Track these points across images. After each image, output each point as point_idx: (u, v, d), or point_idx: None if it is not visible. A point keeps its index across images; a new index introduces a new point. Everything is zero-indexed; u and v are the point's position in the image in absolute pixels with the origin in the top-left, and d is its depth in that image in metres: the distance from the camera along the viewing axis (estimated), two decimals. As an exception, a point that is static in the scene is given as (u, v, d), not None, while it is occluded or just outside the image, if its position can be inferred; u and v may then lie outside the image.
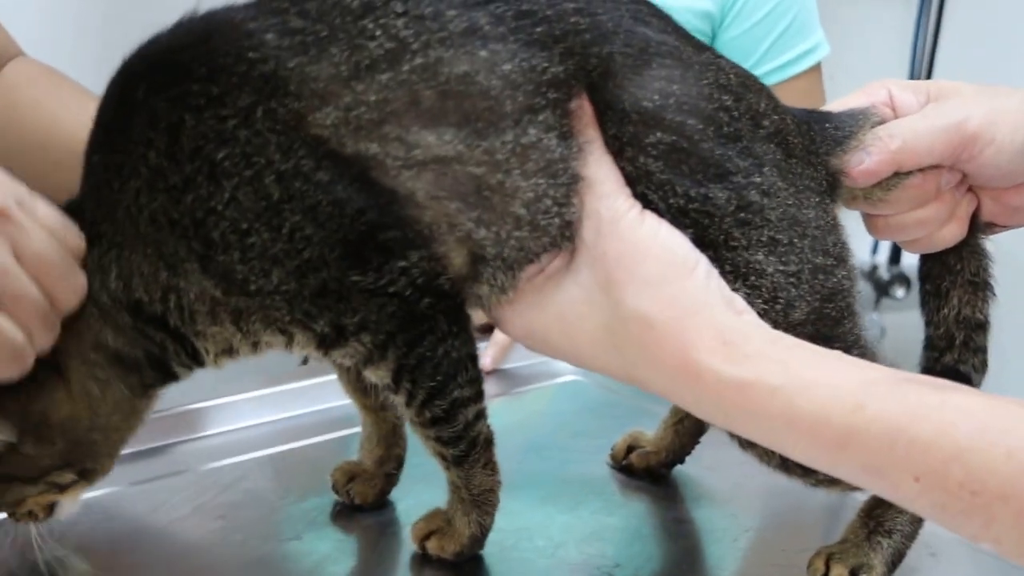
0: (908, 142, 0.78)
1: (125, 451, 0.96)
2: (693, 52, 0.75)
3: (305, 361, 1.81)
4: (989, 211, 0.84)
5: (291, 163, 0.69)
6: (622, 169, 0.72)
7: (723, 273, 0.72)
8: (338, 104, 0.69)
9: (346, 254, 0.70)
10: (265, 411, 1.08)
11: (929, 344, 0.85)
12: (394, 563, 0.87)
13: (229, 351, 0.77)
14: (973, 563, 0.89)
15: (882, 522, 0.82)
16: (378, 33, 0.69)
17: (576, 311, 0.72)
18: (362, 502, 0.91)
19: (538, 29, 0.71)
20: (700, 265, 0.70)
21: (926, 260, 0.86)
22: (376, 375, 0.77)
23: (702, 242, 0.72)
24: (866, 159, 0.78)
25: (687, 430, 0.99)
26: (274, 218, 0.69)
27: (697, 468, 1.01)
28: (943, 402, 0.60)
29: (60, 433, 0.75)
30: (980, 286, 0.85)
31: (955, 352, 0.84)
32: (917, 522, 0.83)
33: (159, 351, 0.76)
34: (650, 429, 1.07)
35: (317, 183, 0.69)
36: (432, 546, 0.83)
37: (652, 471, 1.00)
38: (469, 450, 0.79)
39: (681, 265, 0.69)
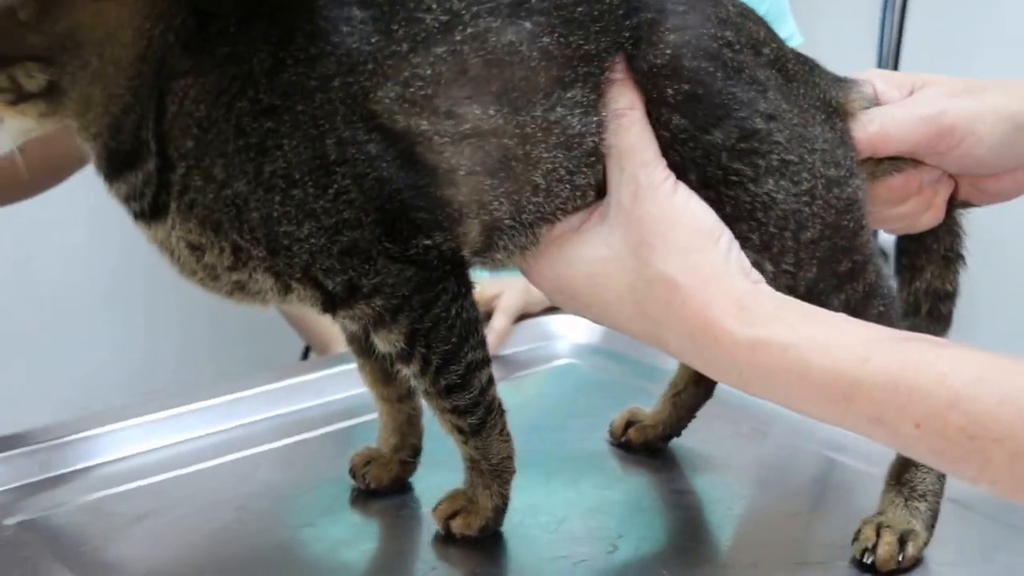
0: (886, 127, 0.81)
1: (140, 450, 1.01)
2: None
3: (306, 355, 1.85)
4: (966, 193, 0.87)
5: (349, 132, 0.72)
6: (659, 136, 0.75)
7: (728, 217, 0.75)
8: (398, 79, 0.72)
9: (380, 220, 0.74)
10: (273, 406, 1.11)
11: None
12: (407, 545, 0.90)
13: (198, 247, 0.76)
14: (956, 522, 0.91)
15: (915, 487, 0.86)
16: (434, 6, 0.73)
17: (604, 270, 0.76)
18: (377, 486, 0.94)
19: (579, 8, 0.74)
20: (724, 237, 0.74)
21: (903, 238, 0.90)
22: (388, 340, 0.79)
23: (706, 183, 0.76)
24: None
25: (684, 403, 1.02)
26: (323, 177, 0.72)
27: (691, 441, 1.04)
28: (940, 355, 0.64)
29: (66, 18, 0.71)
30: (952, 259, 0.89)
31: (921, 319, 0.89)
32: (942, 479, 0.86)
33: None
34: (645, 405, 1.10)
35: (367, 154, 0.73)
36: (458, 525, 0.85)
37: (649, 445, 1.03)
38: (486, 416, 0.82)
39: (708, 235, 0.73)
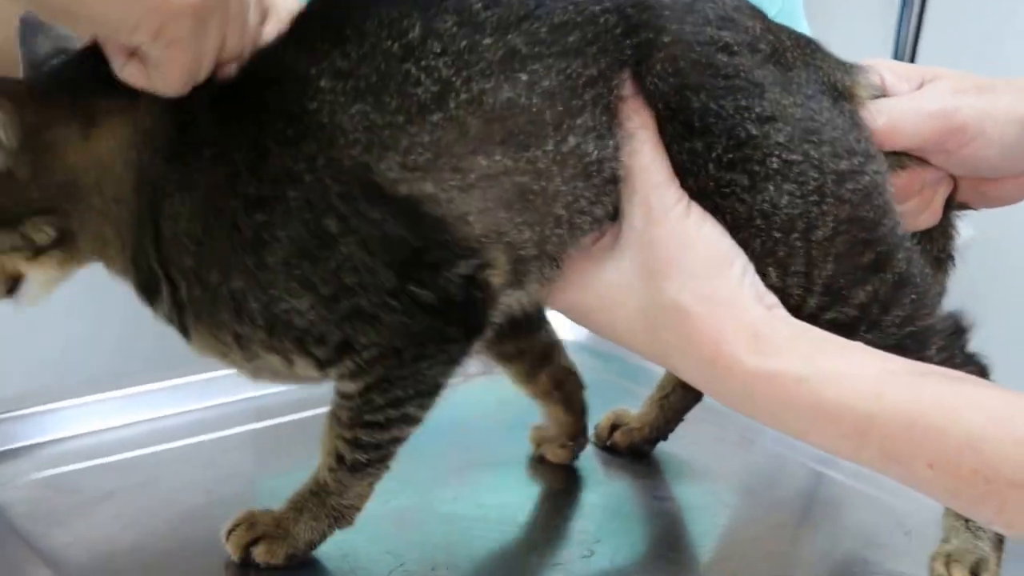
0: (895, 120, 0.78)
1: (110, 425, 0.98)
2: None
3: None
4: (966, 195, 0.85)
5: (349, 206, 0.70)
6: (673, 159, 0.72)
7: (725, 223, 0.73)
8: (397, 149, 0.69)
9: (392, 272, 0.71)
10: (246, 388, 1.08)
11: None
12: (376, 534, 0.87)
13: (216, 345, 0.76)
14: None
15: None
16: (423, 77, 0.69)
17: (616, 294, 0.74)
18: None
19: (571, 39, 0.71)
20: (738, 262, 0.71)
21: None
22: (345, 386, 0.77)
23: (700, 192, 0.73)
24: None
25: (672, 406, 1.00)
26: (325, 251, 0.70)
27: (676, 446, 1.02)
28: (956, 393, 0.62)
29: (60, 166, 0.71)
30: (943, 261, 0.87)
31: None
32: None
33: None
34: (631, 408, 1.08)
35: (371, 220, 0.70)
36: (261, 553, 0.80)
37: (635, 448, 1.01)
38: (374, 461, 0.79)
39: (721, 261, 0.71)
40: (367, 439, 0.77)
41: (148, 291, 0.75)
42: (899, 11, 2.13)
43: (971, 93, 0.79)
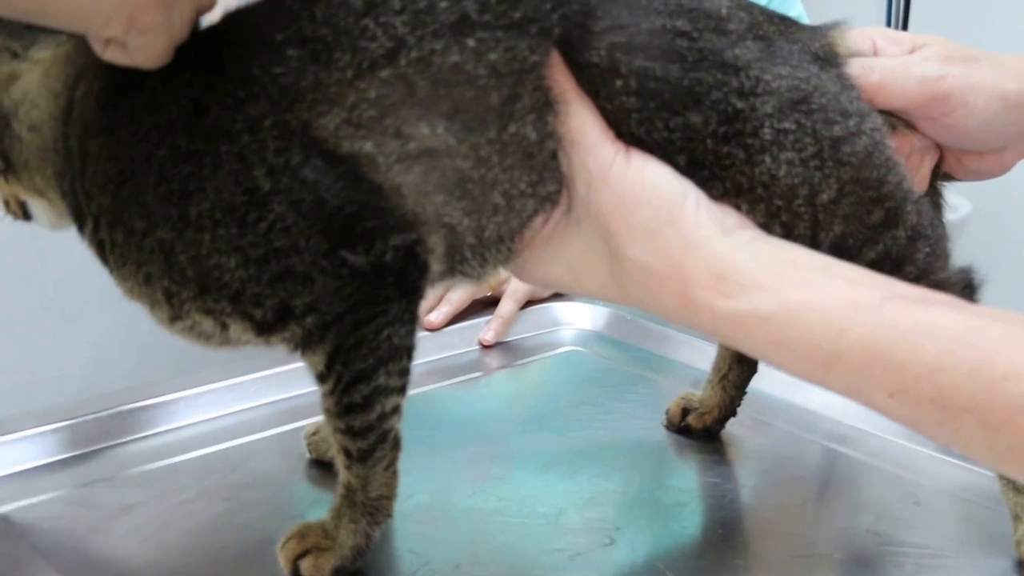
0: (885, 79, 0.78)
1: (128, 438, 0.99)
2: None
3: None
4: (950, 166, 0.85)
5: (281, 160, 0.70)
6: (602, 110, 0.73)
7: (724, 192, 0.73)
8: (343, 104, 0.70)
9: (325, 238, 0.71)
10: (266, 393, 1.09)
11: None
12: (398, 536, 0.87)
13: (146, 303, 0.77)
14: (956, 512, 0.90)
15: None
16: (379, 33, 0.70)
17: (583, 260, 0.75)
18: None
19: (517, 14, 0.71)
20: (688, 198, 0.71)
21: None
22: (311, 360, 0.77)
23: (697, 164, 0.73)
24: None
25: (732, 383, 1.01)
26: (255, 209, 0.71)
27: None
28: (916, 323, 0.63)
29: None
30: None
31: None
32: None
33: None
34: (645, 394, 1.09)
35: (303, 180, 0.70)
36: (307, 567, 0.79)
37: (709, 430, 1.03)
38: (376, 444, 0.78)
39: (671, 205, 0.71)
40: (358, 424, 0.77)
41: (78, 220, 0.77)
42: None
43: (958, 63, 0.79)
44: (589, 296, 0.79)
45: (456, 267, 0.77)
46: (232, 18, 0.75)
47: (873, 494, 0.88)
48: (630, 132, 0.73)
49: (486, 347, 1.24)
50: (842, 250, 0.75)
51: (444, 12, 0.71)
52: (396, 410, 0.78)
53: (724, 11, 0.75)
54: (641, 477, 0.96)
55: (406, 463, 0.91)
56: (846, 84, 0.77)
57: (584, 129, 0.72)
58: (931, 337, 0.62)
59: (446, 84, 0.70)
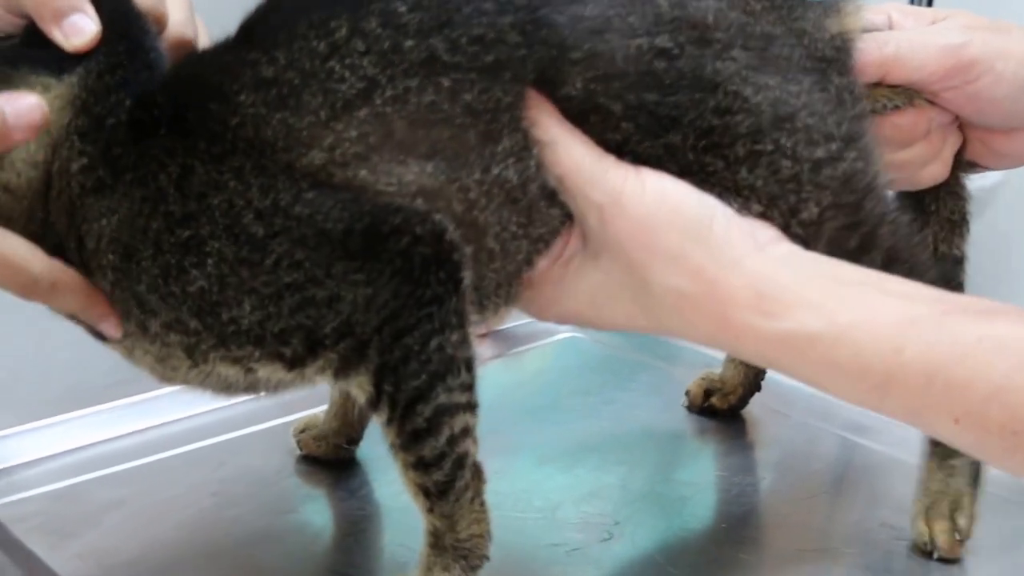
0: (902, 50, 0.75)
1: (116, 434, 0.98)
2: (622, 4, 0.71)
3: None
4: (974, 151, 0.81)
5: (268, 202, 0.66)
6: (644, 153, 0.69)
7: (720, 195, 0.70)
8: (321, 146, 0.66)
9: (347, 260, 0.67)
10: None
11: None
12: (391, 532, 0.86)
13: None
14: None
15: (945, 445, 0.79)
16: (347, 74, 0.67)
17: (606, 293, 0.70)
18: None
19: (489, 58, 0.68)
20: (716, 216, 0.68)
21: (902, 197, 0.84)
22: (357, 386, 0.71)
23: (685, 172, 0.69)
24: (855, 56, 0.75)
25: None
26: (258, 254, 0.67)
27: (694, 423, 1.01)
28: (980, 339, 0.58)
29: None
30: (956, 224, 0.83)
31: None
32: None
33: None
34: (649, 382, 1.08)
35: (298, 217, 0.66)
36: None
37: (733, 410, 1.02)
38: (455, 473, 0.71)
39: (697, 225, 0.67)
40: (428, 452, 0.70)
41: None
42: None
43: (983, 30, 0.75)
44: (615, 329, 0.74)
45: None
46: (188, 69, 0.71)
47: (890, 487, 0.86)
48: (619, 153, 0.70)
49: (480, 336, 1.21)
50: None
51: (411, 51, 0.67)
52: (467, 432, 0.71)
53: (711, 17, 0.71)
54: (644, 470, 0.94)
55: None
56: (841, 100, 0.73)
57: (579, 163, 0.68)
58: (998, 352, 0.57)
59: (424, 125, 0.67)
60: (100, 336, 0.72)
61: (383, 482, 0.91)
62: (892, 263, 0.74)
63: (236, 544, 0.82)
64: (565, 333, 1.23)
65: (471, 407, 0.71)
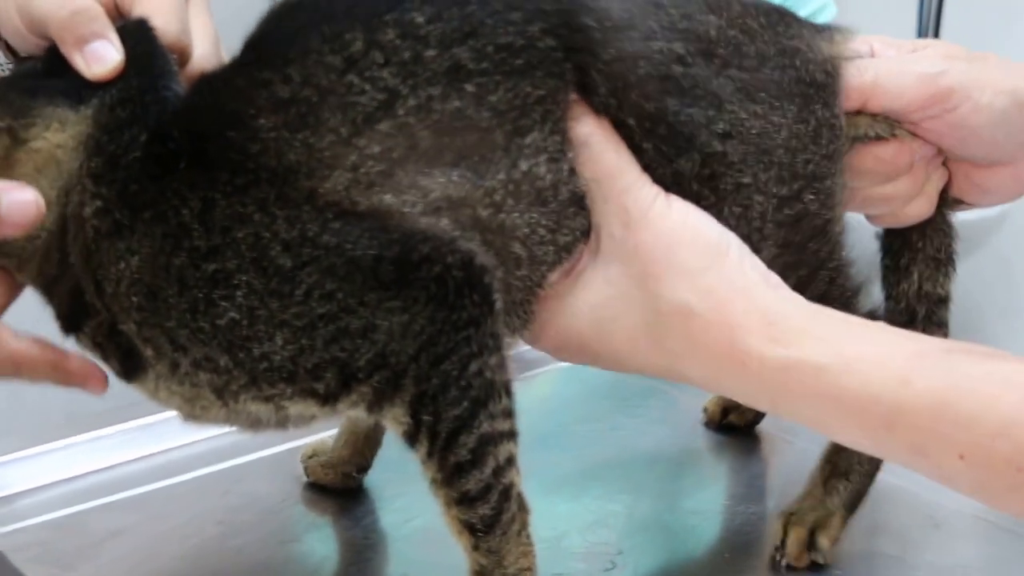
0: (880, 78, 0.75)
1: (117, 461, 0.97)
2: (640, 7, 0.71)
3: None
4: (959, 188, 0.81)
5: (296, 233, 0.65)
6: (658, 179, 0.69)
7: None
8: (344, 166, 0.65)
9: (380, 289, 0.66)
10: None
11: (889, 318, 0.82)
12: (395, 561, 0.86)
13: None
14: (975, 534, 0.88)
15: (837, 464, 0.82)
16: (367, 87, 0.66)
17: (611, 310, 0.70)
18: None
19: (518, 61, 0.67)
20: (732, 246, 0.68)
21: (888, 234, 0.84)
22: (394, 419, 0.69)
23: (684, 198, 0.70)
24: None
25: None
26: (287, 286, 0.65)
27: (700, 450, 1.01)
28: (989, 373, 0.58)
29: None
30: (942, 262, 0.83)
31: (918, 326, 0.82)
32: (875, 461, 0.82)
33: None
34: (656, 409, 1.07)
35: (326, 247, 0.65)
36: None
37: (750, 426, 1.03)
38: (501, 505, 0.68)
39: (715, 249, 0.67)
40: (473, 486, 0.68)
41: (73, 318, 0.71)
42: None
43: (960, 60, 0.76)
44: (610, 361, 0.72)
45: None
46: (200, 97, 0.70)
47: (891, 515, 0.86)
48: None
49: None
50: None
51: (434, 60, 0.66)
52: (511, 461, 0.69)
53: (713, 32, 0.72)
54: (650, 499, 0.93)
55: (404, 486, 0.90)
56: (818, 135, 0.74)
57: (619, 168, 0.69)
58: (1006, 386, 0.57)
59: (449, 132, 0.66)
60: (125, 376, 0.71)
61: (388, 511, 0.91)
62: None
63: (240, 574, 0.82)
64: (572, 358, 1.22)
65: (513, 435, 0.70)
